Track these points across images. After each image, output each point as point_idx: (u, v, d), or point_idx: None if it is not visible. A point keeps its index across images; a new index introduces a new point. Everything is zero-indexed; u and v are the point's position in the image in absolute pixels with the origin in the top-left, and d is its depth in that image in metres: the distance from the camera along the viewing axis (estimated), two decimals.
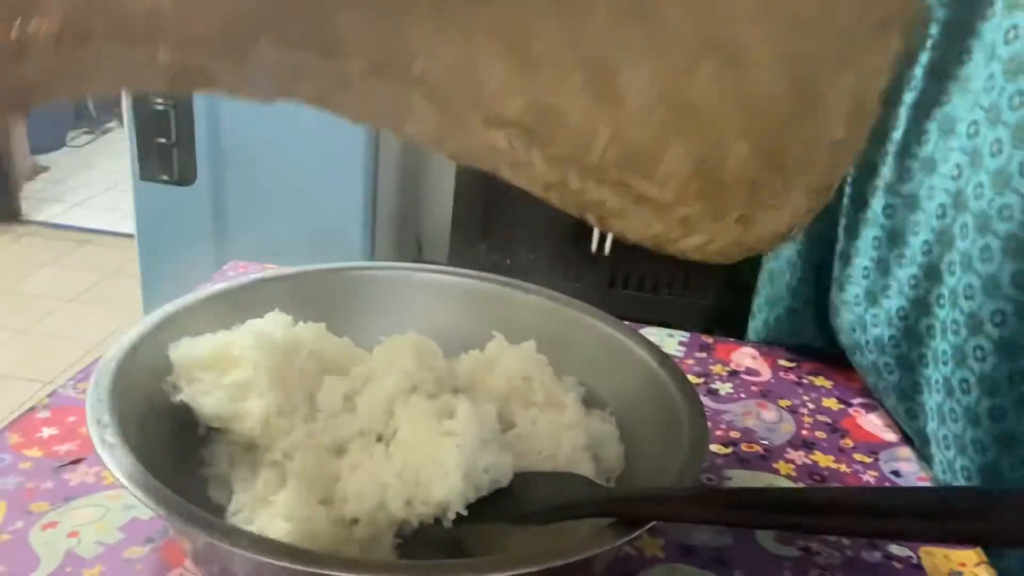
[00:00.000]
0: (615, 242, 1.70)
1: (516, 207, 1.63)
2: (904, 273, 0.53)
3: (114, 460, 0.33)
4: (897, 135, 0.53)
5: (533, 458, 0.41)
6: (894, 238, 0.54)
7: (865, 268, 0.56)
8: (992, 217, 0.44)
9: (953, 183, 0.49)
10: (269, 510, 0.38)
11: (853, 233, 0.58)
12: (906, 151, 0.53)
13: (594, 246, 1.64)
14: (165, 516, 0.31)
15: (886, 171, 0.54)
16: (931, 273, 0.51)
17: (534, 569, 0.30)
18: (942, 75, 0.51)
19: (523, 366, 0.46)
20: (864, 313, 0.57)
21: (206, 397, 0.40)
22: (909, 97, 0.52)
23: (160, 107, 1.42)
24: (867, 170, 0.56)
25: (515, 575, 0.30)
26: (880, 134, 0.55)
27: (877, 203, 0.55)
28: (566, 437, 0.42)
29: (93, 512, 0.42)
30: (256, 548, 0.29)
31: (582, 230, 1.73)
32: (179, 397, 0.41)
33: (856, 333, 0.58)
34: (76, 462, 0.46)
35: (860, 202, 0.57)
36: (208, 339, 0.43)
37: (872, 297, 0.56)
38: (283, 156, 1.50)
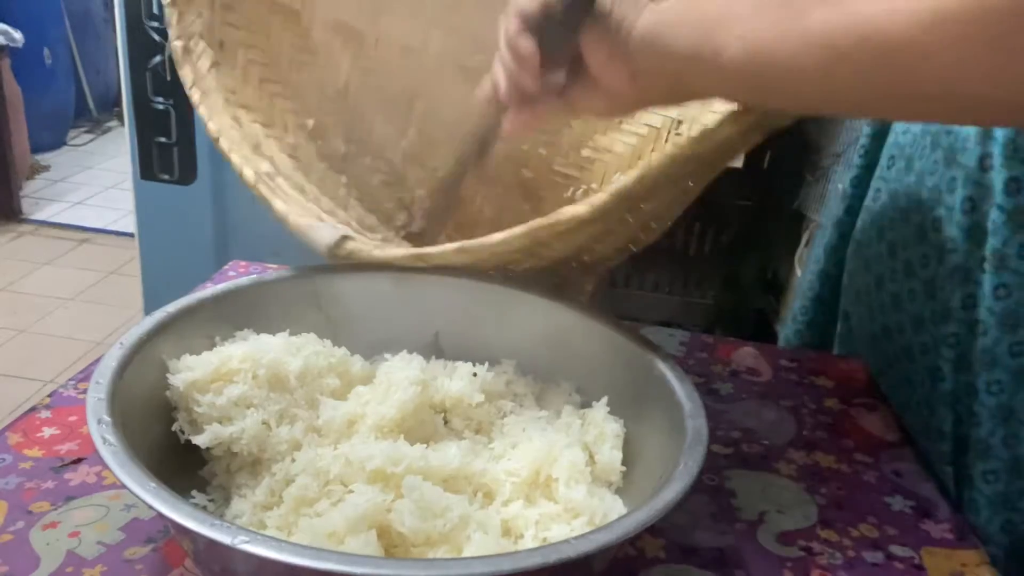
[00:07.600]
0: None
1: None
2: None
3: (115, 460, 0.33)
4: None
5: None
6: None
7: None
8: None
9: None
10: (266, 519, 0.38)
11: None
12: None
13: None
14: (166, 516, 0.31)
15: None
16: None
17: (533, 568, 0.30)
18: None
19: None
20: None
21: (203, 432, 0.41)
22: None
23: (160, 107, 1.41)
24: None
25: (514, 574, 0.30)
26: None
27: None
28: (565, 455, 0.42)
29: (94, 512, 0.42)
30: (257, 546, 0.29)
31: None
32: (177, 428, 0.42)
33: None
34: (77, 462, 0.46)
35: None
36: (206, 358, 0.43)
37: None
38: None
